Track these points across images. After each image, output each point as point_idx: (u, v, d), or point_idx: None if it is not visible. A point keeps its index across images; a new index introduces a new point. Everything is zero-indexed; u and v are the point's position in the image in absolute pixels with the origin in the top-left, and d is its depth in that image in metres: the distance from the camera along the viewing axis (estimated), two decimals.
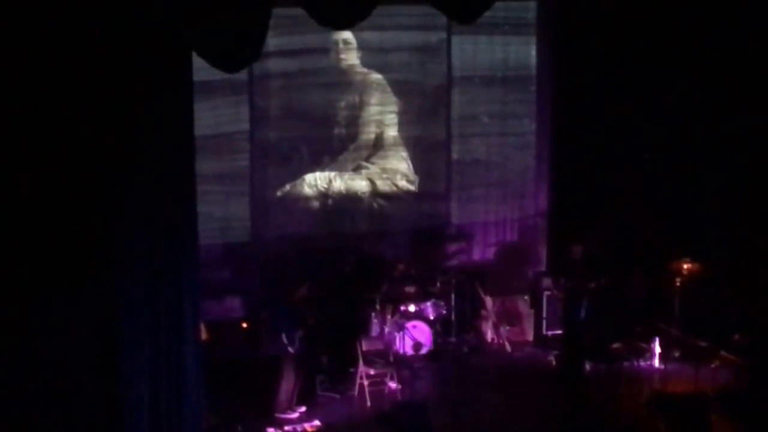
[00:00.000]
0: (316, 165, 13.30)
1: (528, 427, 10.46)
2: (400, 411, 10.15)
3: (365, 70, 13.37)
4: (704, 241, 12.02)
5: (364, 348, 11.56)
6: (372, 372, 11.34)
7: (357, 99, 13.38)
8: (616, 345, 12.33)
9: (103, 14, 8.02)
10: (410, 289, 12.51)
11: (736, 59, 11.72)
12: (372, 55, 13.31)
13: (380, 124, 13.48)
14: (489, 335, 13.05)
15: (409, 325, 12.08)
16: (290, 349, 10.57)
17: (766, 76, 11.52)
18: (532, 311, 13.12)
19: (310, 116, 13.16)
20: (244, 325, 12.25)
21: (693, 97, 12.20)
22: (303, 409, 10.71)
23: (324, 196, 13.34)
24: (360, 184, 13.47)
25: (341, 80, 13.32)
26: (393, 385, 11.35)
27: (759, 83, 11.57)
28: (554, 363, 12.05)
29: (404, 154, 13.62)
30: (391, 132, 13.55)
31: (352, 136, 13.43)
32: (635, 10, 12.34)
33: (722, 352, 11.57)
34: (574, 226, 12.76)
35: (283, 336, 10.56)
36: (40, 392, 8.20)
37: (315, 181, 13.28)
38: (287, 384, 10.61)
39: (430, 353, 12.24)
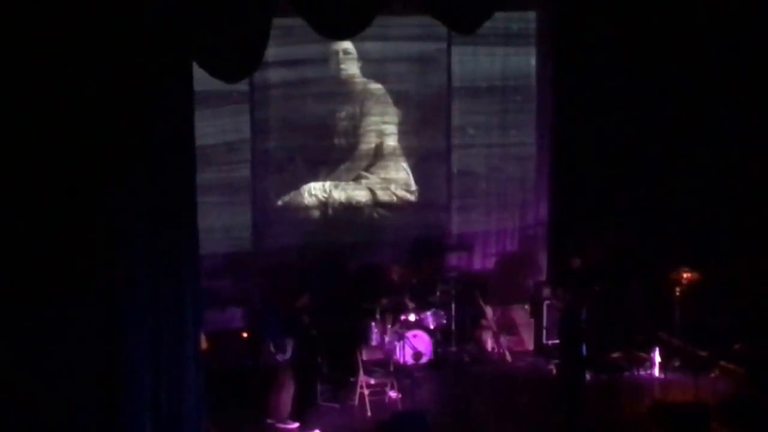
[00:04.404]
0: (316, 175, 13.32)
1: None
2: (401, 420, 10.16)
3: (365, 80, 13.40)
4: (704, 250, 12.02)
5: (365, 357, 11.59)
6: (372, 381, 11.36)
7: (357, 109, 13.40)
8: (616, 354, 12.33)
9: (104, 25, 8.05)
10: (410, 298, 12.52)
11: (736, 70, 11.74)
12: (372, 66, 13.34)
13: (380, 134, 13.51)
14: (489, 345, 13.04)
15: (410, 334, 12.07)
16: (278, 358, 10.56)
17: (764, 88, 11.56)
18: (533, 321, 13.11)
19: (310, 126, 13.19)
20: (245, 334, 12.24)
21: (692, 107, 12.23)
22: (302, 419, 10.71)
23: (324, 205, 13.35)
24: (360, 194, 13.49)
25: (341, 90, 13.35)
26: (393, 394, 11.35)
27: (758, 96, 11.59)
28: (554, 372, 12.04)
29: (404, 164, 13.64)
30: (391, 142, 13.57)
31: (352, 146, 13.45)
32: (635, 21, 12.38)
33: (722, 362, 11.57)
34: (574, 235, 12.77)
35: (270, 344, 10.55)
36: (40, 402, 8.21)
37: (315, 191, 13.30)
38: (286, 394, 10.61)
39: (430, 363, 12.24)
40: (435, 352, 12.33)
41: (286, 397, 10.61)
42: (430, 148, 13.71)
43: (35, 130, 8.03)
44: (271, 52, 11.48)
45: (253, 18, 8.50)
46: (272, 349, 10.55)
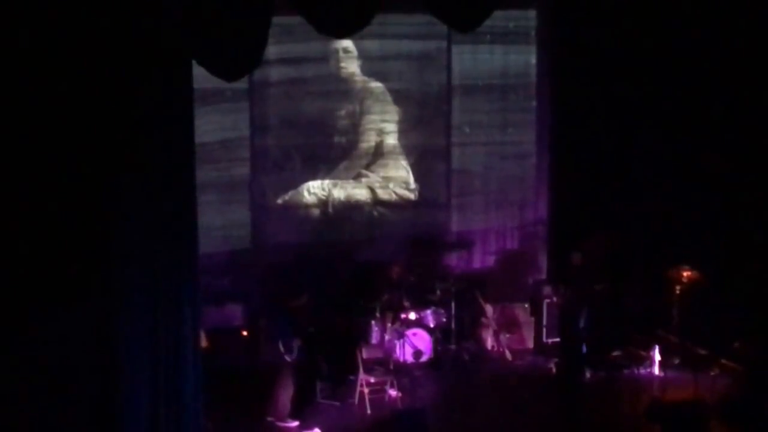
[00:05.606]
0: (315, 173, 13.31)
1: None
2: (400, 419, 10.16)
3: (365, 78, 13.39)
4: (703, 249, 12.02)
5: (365, 356, 11.58)
6: (372, 380, 11.36)
7: (357, 107, 13.40)
8: (615, 353, 12.35)
9: (104, 23, 8.05)
10: (410, 296, 12.52)
11: (736, 70, 11.73)
12: (372, 64, 13.34)
13: (380, 132, 13.51)
14: (489, 343, 13.04)
15: (409, 332, 12.07)
16: (287, 358, 10.58)
17: (765, 88, 11.55)
18: (532, 319, 13.11)
19: (309, 124, 13.18)
20: (244, 332, 12.26)
21: (692, 106, 12.22)
22: (302, 417, 10.71)
23: (324, 204, 13.35)
24: (360, 192, 13.49)
25: (341, 88, 13.34)
26: (393, 392, 11.35)
27: (758, 95, 11.58)
28: (554, 371, 12.06)
29: (404, 162, 13.64)
30: (391, 140, 13.57)
31: (352, 144, 13.45)
32: (636, 19, 12.38)
33: (722, 360, 11.57)
34: (574, 234, 12.77)
35: (280, 344, 10.56)
36: (39, 402, 8.20)
37: (315, 189, 13.29)
38: (286, 392, 10.61)
39: (430, 361, 12.24)
40: (435, 350, 12.33)
41: (286, 395, 10.60)
42: (430, 146, 13.72)
43: (34, 129, 8.02)
44: (271, 50, 11.48)
45: (253, 16, 8.49)
46: (281, 349, 10.56)
